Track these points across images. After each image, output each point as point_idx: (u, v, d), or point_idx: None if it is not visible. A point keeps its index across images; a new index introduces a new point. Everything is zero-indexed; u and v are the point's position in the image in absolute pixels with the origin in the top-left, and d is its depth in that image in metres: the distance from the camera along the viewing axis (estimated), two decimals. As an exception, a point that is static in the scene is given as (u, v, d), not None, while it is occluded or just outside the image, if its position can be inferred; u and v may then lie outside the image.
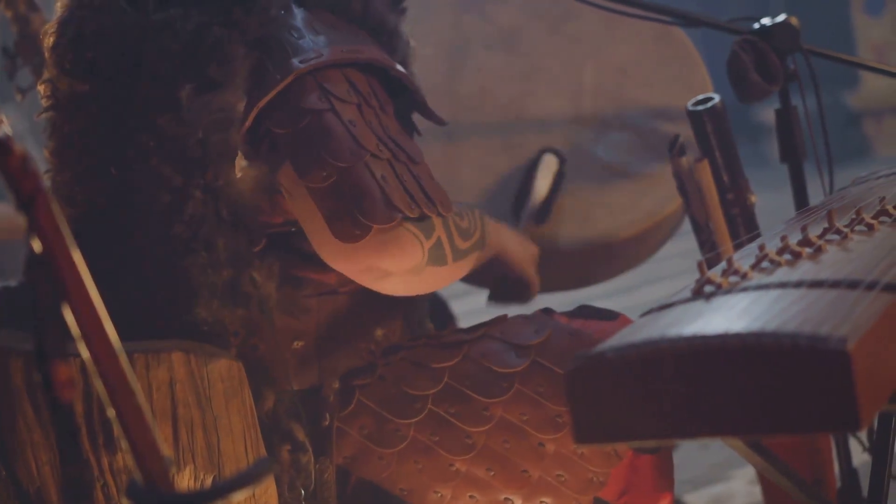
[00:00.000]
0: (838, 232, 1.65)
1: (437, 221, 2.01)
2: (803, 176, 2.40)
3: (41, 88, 2.04)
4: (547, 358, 2.04)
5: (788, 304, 1.34)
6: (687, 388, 1.28)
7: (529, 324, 2.09)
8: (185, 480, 1.80)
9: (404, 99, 2.14)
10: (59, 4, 2.05)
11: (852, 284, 1.40)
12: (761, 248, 1.57)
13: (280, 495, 1.95)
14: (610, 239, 2.59)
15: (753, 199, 2.36)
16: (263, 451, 1.91)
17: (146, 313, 1.92)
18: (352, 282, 2.00)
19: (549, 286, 2.75)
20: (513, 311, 2.19)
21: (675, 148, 2.38)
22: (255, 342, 1.98)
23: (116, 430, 1.24)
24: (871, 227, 1.69)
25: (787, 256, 1.56)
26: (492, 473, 2.03)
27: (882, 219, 1.73)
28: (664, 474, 2.08)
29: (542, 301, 2.36)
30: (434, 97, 2.28)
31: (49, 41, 2.03)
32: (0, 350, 1.80)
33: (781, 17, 2.35)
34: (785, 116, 2.39)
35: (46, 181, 2.01)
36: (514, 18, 2.83)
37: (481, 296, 2.43)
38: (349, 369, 2.08)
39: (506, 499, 2.03)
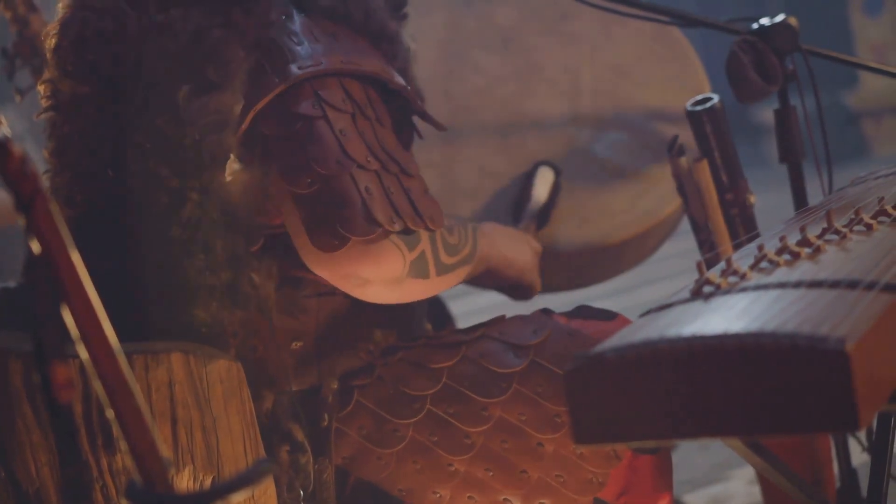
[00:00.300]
0: (837, 232, 1.65)
1: (423, 235, 2.01)
2: (802, 176, 2.40)
3: (41, 89, 2.04)
4: (546, 358, 2.04)
5: (787, 304, 1.34)
6: (686, 388, 1.28)
7: (528, 324, 2.10)
8: (184, 481, 1.80)
9: (404, 103, 2.14)
10: (60, 6, 2.05)
11: (851, 284, 1.40)
12: (760, 248, 1.57)
13: (279, 496, 1.95)
14: (608, 239, 2.59)
15: (752, 199, 2.36)
16: (262, 452, 1.91)
17: (145, 314, 1.92)
18: (351, 282, 2.01)
19: (547, 287, 2.74)
20: (511, 311, 2.19)
21: (673, 148, 2.38)
22: (254, 343, 1.98)
23: (115, 431, 1.24)
24: (869, 227, 1.69)
25: (785, 257, 1.56)
26: (491, 474, 2.03)
27: (881, 219, 1.73)
28: (663, 475, 2.08)
29: (540, 301, 2.36)
30: (432, 98, 2.28)
31: (51, 43, 2.03)
32: (-1, 351, 1.80)
33: (780, 18, 2.35)
34: (784, 116, 2.39)
35: (45, 182, 2.01)
36: (511, 19, 2.83)
37: (480, 296, 2.44)
38: (348, 370, 2.09)
39: (505, 499, 2.03)
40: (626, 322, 2.06)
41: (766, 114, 7.47)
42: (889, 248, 1.56)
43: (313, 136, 1.95)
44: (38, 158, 2.09)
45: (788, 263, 1.54)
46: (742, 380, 1.25)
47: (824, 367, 1.22)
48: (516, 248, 2.30)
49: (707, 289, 1.47)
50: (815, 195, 2.35)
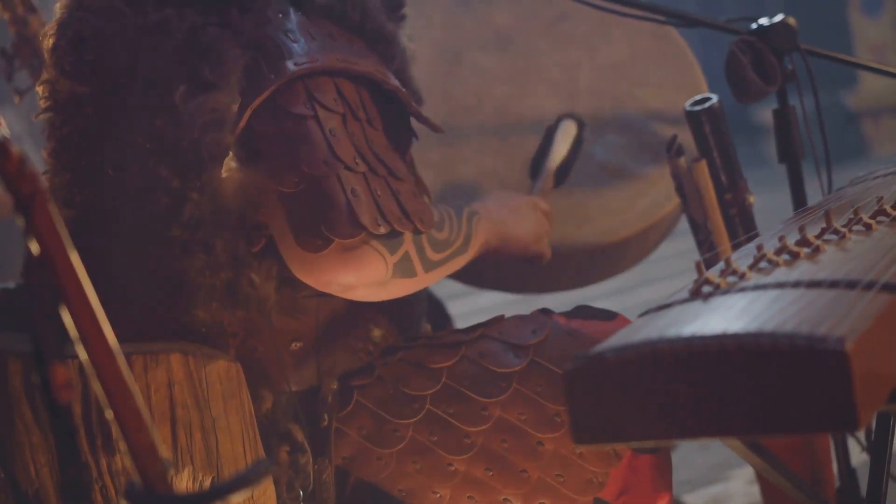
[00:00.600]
0: (836, 232, 1.65)
1: (406, 236, 2.00)
2: (801, 176, 2.40)
3: (39, 90, 2.04)
4: (545, 358, 2.04)
5: (786, 304, 1.34)
6: (685, 388, 1.28)
7: (527, 324, 2.10)
8: (183, 482, 1.80)
9: (401, 105, 2.13)
10: (57, 6, 2.05)
11: (850, 284, 1.40)
12: (759, 248, 1.57)
13: (279, 496, 1.95)
14: (607, 239, 2.59)
15: (751, 199, 2.36)
16: (262, 453, 1.91)
17: (144, 315, 1.92)
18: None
19: (547, 286, 2.75)
20: (511, 311, 2.19)
21: (672, 148, 2.38)
22: (253, 343, 1.98)
23: (115, 431, 1.24)
24: (868, 227, 1.69)
25: (785, 256, 1.56)
26: (490, 473, 2.03)
27: (880, 218, 1.73)
28: (663, 474, 2.08)
29: (540, 301, 2.36)
30: (429, 99, 2.28)
31: (48, 43, 2.03)
32: (-2, 352, 1.80)
33: (779, 18, 2.35)
34: (783, 117, 2.39)
35: (44, 183, 2.01)
36: (509, 20, 2.83)
37: (480, 296, 2.44)
38: (347, 370, 2.09)
39: (504, 499, 2.03)
40: (625, 322, 2.06)
41: (765, 114, 7.46)
42: (888, 248, 1.56)
43: (303, 136, 1.95)
44: (38, 159, 2.09)
45: (787, 263, 1.54)
46: (741, 380, 1.25)
47: (823, 366, 1.22)
48: (518, 224, 2.28)
49: (706, 289, 1.47)
50: (814, 195, 2.35)
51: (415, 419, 2.04)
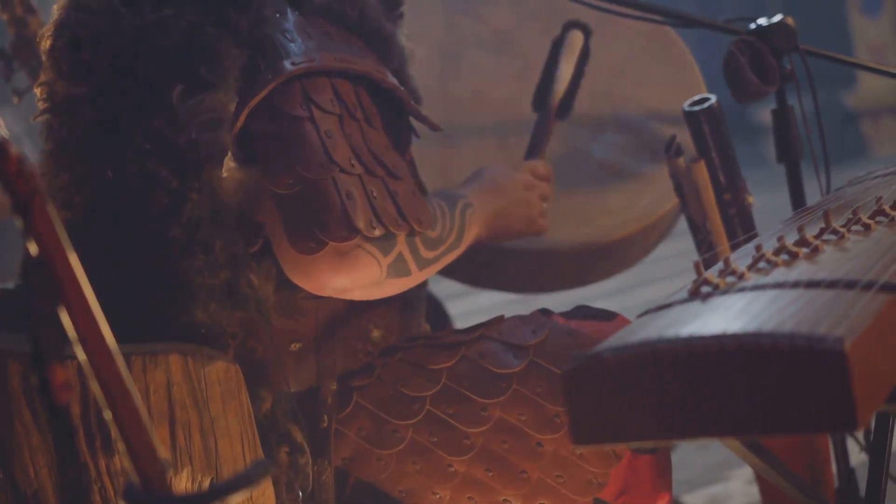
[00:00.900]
0: (835, 232, 1.65)
1: (399, 237, 2.00)
2: (800, 176, 2.40)
3: (37, 91, 2.04)
4: (545, 358, 2.04)
5: (785, 304, 1.34)
6: (684, 388, 1.28)
7: (527, 324, 2.10)
8: (182, 482, 1.80)
9: (399, 104, 2.13)
10: (55, 8, 2.05)
11: (849, 284, 1.40)
12: (758, 248, 1.57)
13: (278, 497, 1.95)
14: (606, 239, 2.59)
15: (750, 199, 2.36)
16: (261, 453, 1.91)
17: (143, 315, 1.92)
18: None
19: (546, 286, 2.75)
20: (510, 311, 2.19)
21: (671, 148, 2.38)
22: (252, 344, 1.98)
23: (113, 432, 1.24)
24: (867, 227, 1.69)
25: (783, 257, 1.56)
26: (490, 474, 2.03)
27: (879, 219, 1.73)
28: (662, 474, 2.08)
29: (539, 301, 2.36)
30: (428, 99, 2.28)
31: (46, 45, 2.02)
32: (-3, 353, 1.80)
33: (778, 18, 2.35)
34: (782, 117, 2.39)
35: (43, 184, 2.01)
36: (507, 19, 2.83)
37: (479, 296, 2.44)
38: (347, 371, 2.09)
39: (504, 500, 2.03)
40: (625, 322, 2.06)
41: (764, 114, 7.47)
42: (887, 248, 1.56)
43: (298, 137, 1.95)
44: (36, 160, 2.09)
45: (786, 263, 1.54)
46: (740, 380, 1.25)
47: (822, 366, 1.22)
48: (511, 212, 2.28)
49: (705, 289, 1.47)
50: (813, 195, 2.35)
51: (414, 420, 2.04)
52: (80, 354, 1.22)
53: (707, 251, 2.34)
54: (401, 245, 2.01)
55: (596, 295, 3.08)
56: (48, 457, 1.78)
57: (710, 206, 2.33)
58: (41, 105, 2.04)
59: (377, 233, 1.95)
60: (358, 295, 1.99)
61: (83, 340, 1.22)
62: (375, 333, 2.12)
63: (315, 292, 1.97)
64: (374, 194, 1.97)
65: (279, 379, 2.01)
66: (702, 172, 2.34)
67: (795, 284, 1.43)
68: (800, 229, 1.63)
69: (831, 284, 1.41)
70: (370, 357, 2.10)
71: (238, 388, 1.87)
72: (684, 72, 2.75)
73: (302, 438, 1.99)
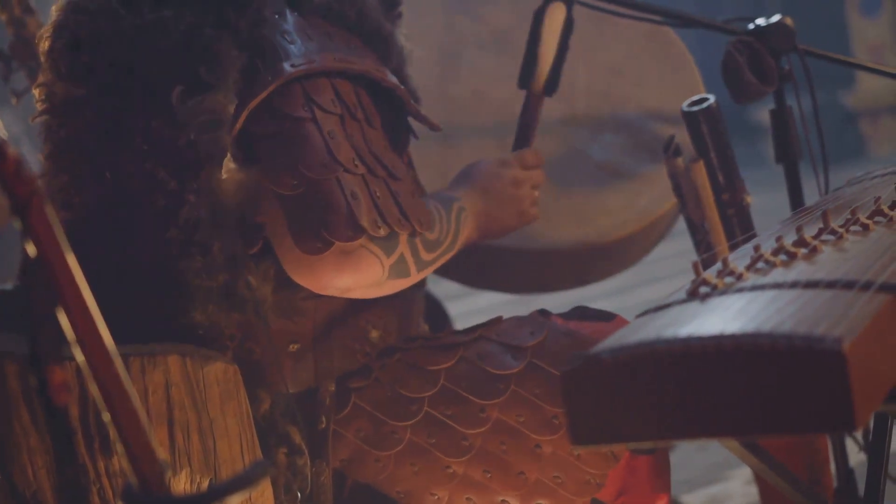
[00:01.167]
0: (833, 232, 1.66)
1: (401, 238, 2.00)
2: (799, 176, 2.40)
3: (36, 92, 2.04)
4: (543, 359, 2.04)
5: (784, 304, 1.34)
6: (683, 389, 1.28)
7: (525, 325, 2.10)
8: (181, 483, 1.80)
9: (399, 103, 2.13)
10: (53, 8, 2.05)
11: (848, 285, 1.40)
12: (756, 248, 1.57)
13: (276, 498, 1.95)
14: (605, 239, 2.59)
15: (749, 199, 2.36)
16: (260, 454, 1.91)
17: (142, 317, 1.92)
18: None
19: (546, 286, 2.75)
20: (509, 312, 2.19)
21: (670, 148, 2.38)
22: (250, 345, 1.98)
23: (112, 433, 1.24)
24: (866, 228, 1.69)
25: (782, 257, 1.56)
26: (489, 475, 2.03)
27: (877, 219, 1.73)
28: (661, 475, 2.08)
29: (538, 302, 2.36)
30: (427, 99, 2.28)
31: (44, 45, 2.02)
32: (-5, 354, 1.80)
33: (776, 18, 2.35)
34: (780, 117, 2.39)
35: (41, 185, 2.01)
36: (506, 19, 2.83)
37: (479, 297, 2.44)
38: (345, 372, 2.08)
39: (503, 501, 2.03)
40: (623, 323, 2.06)
41: (762, 114, 7.46)
42: (885, 248, 1.56)
43: (301, 138, 1.95)
44: (36, 161, 2.09)
45: (785, 264, 1.54)
46: (738, 380, 1.25)
47: (821, 367, 1.22)
48: (502, 213, 2.25)
49: (703, 289, 1.47)
50: (811, 195, 2.35)
51: (413, 421, 2.04)
52: (79, 355, 1.22)
53: (706, 251, 2.34)
54: (403, 246, 2.01)
55: (595, 295, 3.08)
56: (47, 458, 1.78)
57: (709, 207, 2.33)
58: (40, 106, 2.04)
59: (382, 232, 1.95)
60: (358, 294, 1.99)
61: (81, 341, 1.22)
62: (374, 334, 2.12)
63: (317, 291, 1.97)
64: (378, 194, 1.97)
65: (277, 380, 2.01)
66: (700, 172, 2.34)
67: (794, 285, 1.43)
68: (798, 229, 1.63)
69: (830, 285, 1.41)
70: (368, 358, 2.10)
71: (237, 389, 1.87)
72: (683, 72, 2.75)
73: (300, 439, 1.99)
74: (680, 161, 2.36)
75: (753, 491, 3.26)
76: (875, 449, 1.89)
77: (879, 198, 1.79)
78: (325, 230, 1.91)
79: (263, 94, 1.93)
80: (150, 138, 1.93)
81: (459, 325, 2.49)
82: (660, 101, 2.70)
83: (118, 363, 1.23)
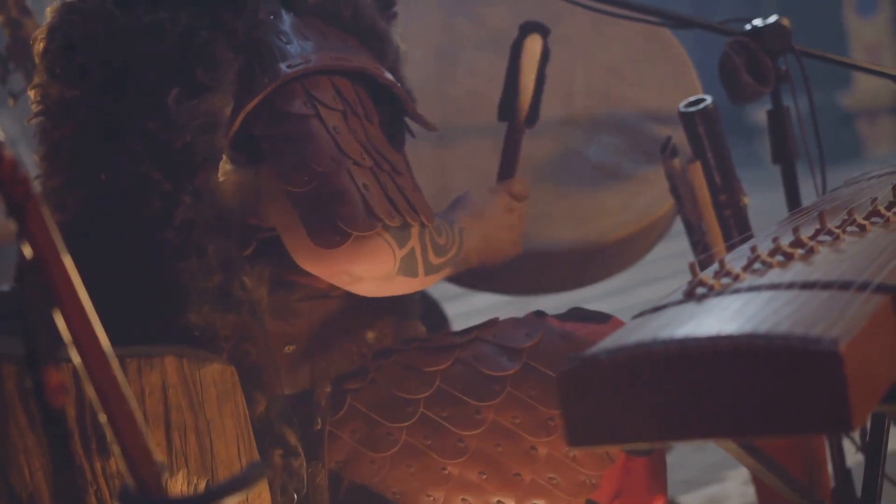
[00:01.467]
0: (830, 233, 1.65)
1: (413, 233, 2.00)
2: (796, 177, 2.40)
3: (31, 94, 2.04)
4: (539, 361, 2.04)
5: (780, 305, 1.34)
6: (679, 390, 1.28)
7: (521, 327, 2.09)
8: (178, 485, 1.79)
9: (395, 103, 2.13)
10: (48, 10, 2.05)
11: (844, 285, 1.40)
12: (753, 249, 1.57)
13: (273, 499, 1.94)
14: (602, 240, 2.58)
15: (746, 200, 2.36)
16: (257, 455, 1.91)
17: (138, 318, 1.92)
18: (344, 285, 2.00)
19: (541, 288, 2.75)
20: (505, 313, 2.18)
21: (667, 149, 2.38)
22: (246, 347, 1.97)
23: (109, 435, 1.24)
24: (862, 228, 1.69)
25: (779, 258, 1.56)
26: (484, 477, 2.02)
27: (874, 219, 1.73)
28: (657, 476, 2.08)
29: (534, 303, 2.36)
30: (424, 100, 2.28)
31: (39, 47, 2.02)
32: (-8, 355, 1.80)
33: (773, 19, 2.35)
34: (777, 117, 2.39)
35: (37, 187, 2.01)
36: (505, 21, 2.83)
37: (475, 298, 2.44)
38: (341, 373, 2.08)
39: (498, 502, 2.03)
40: (619, 324, 2.06)
41: (759, 114, 7.47)
42: (882, 249, 1.56)
43: (307, 135, 1.95)
44: (32, 163, 2.08)
45: (781, 265, 1.54)
46: (735, 381, 1.25)
47: (817, 368, 1.22)
48: (497, 237, 2.26)
49: (700, 290, 1.47)
50: (808, 196, 2.35)
51: (408, 423, 2.04)
52: (75, 357, 1.22)
53: (702, 252, 2.34)
54: (414, 240, 2.01)
55: (594, 295, 3.08)
56: (43, 459, 1.77)
57: (706, 207, 2.33)
58: (35, 108, 2.03)
59: (396, 222, 1.95)
60: (366, 286, 1.99)
61: (78, 343, 1.22)
62: (370, 335, 2.12)
63: (328, 279, 1.97)
64: (387, 186, 1.97)
65: (273, 381, 2.01)
66: (697, 173, 2.34)
67: (790, 285, 1.43)
68: (795, 230, 1.63)
69: (826, 285, 1.41)
70: (364, 359, 2.10)
71: (233, 390, 1.87)
72: (680, 73, 2.75)
73: (296, 441, 1.99)
74: (677, 162, 2.36)
75: (751, 491, 3.26)
76: (872, 449, 1.89)
77: (876, 198, 1.79)
78: (341, 222, 1.91)
79: (261, 96, 1.93)
80: (145, 140, 1.92)
81: (457, 325, 2.49)
82: (658, 101, 2.70)
83: (115, 365, 1.23)
